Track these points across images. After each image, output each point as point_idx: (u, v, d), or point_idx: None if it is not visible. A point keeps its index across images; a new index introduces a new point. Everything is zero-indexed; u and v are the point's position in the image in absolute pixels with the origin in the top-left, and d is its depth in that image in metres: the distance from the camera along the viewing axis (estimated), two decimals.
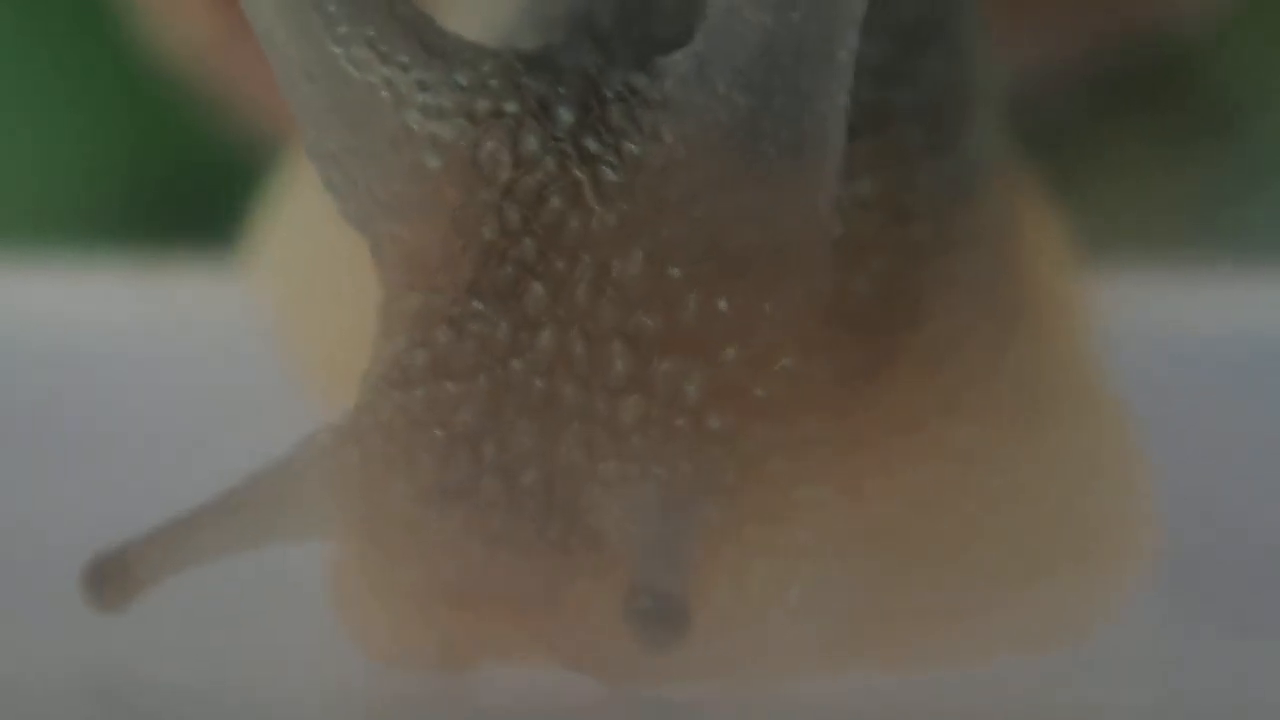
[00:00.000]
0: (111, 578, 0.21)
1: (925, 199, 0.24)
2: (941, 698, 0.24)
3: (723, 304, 0.21)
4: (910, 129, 0.24)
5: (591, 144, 0.22)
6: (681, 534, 0.21)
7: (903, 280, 0.24)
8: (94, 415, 0.29)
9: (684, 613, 0.20)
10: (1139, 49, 0.32)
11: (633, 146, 0.21)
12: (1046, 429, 0.25)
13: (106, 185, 0.47)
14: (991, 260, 0.25)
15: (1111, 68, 0.32)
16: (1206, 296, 0.31)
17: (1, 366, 0.31)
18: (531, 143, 0.22)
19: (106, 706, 0.23)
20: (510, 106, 0.22)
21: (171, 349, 0.29)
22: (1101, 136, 0.44)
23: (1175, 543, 0.26)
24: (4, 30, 0.49)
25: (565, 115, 0.22)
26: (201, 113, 0.32)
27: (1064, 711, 0.25)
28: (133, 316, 0.31)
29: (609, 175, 0.21)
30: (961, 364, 0.24)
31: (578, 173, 0.21)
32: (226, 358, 0.28)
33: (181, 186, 0.36)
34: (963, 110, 0.26)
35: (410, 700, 0.23)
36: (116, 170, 0.47)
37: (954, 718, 0.24)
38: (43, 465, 0.28)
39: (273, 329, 0.29)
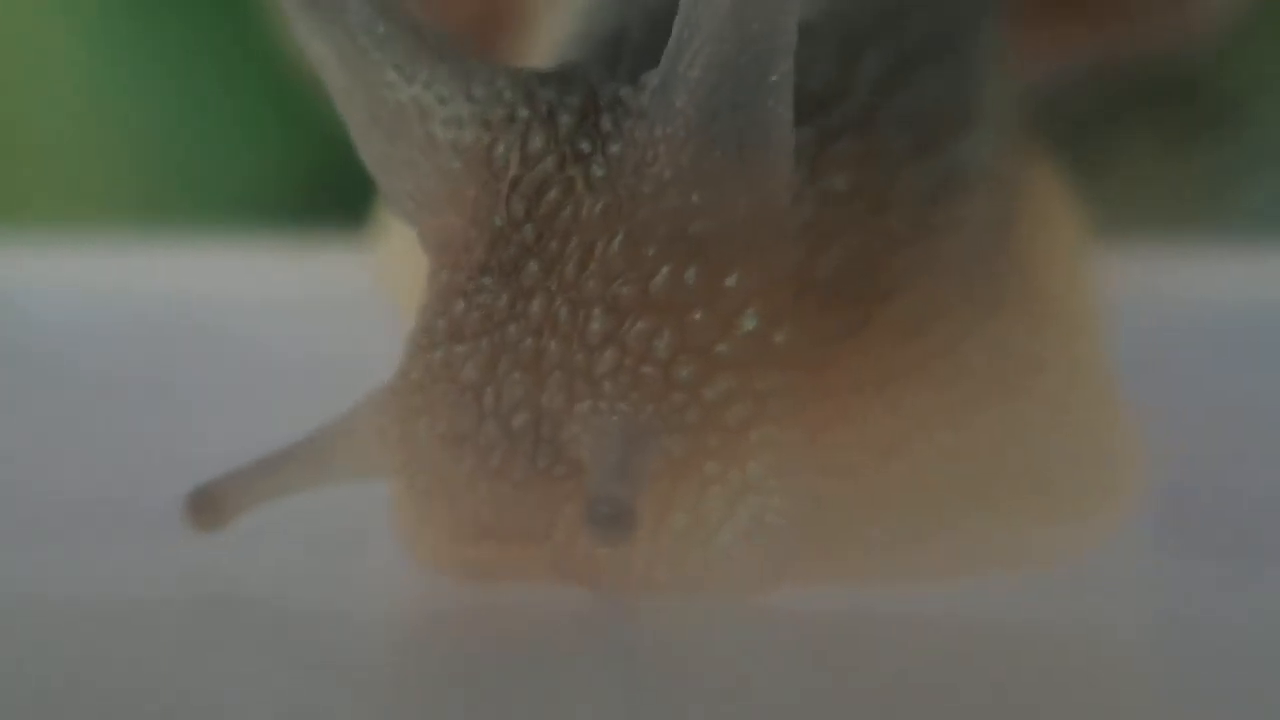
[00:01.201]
0: (205, 506, 0.23)
1: (905, 194, 0.25)
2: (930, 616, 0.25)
3: (690, 275, 0.23)
4: (898, 134, 0.26)
5: (585, 146, 0.23)
6: (637, 456, 0.22)
7: (875, 262, 0.25)
8: (243, 372, 0.29)
9: (632, 516, 0.21)
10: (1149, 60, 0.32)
11: (616, 148, 0.23)
12: (1021, 397, 0.26)
13: (261, 173, 0.47)
14: (978, 247, 0.26)
15: (1123, 72, 0.33)
16: (1211, 271, 0.31)
17: (170, 327, 0.31)
18: (536, 144, 0.23)
19: (207, 616, 0.24)
20: (522, 113, 0.23)
21: (313, 315, 0.30)
22: (1114, 129, 0.43)
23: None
24: (176, 36, 0.48)
25: (566, 121, 0.23)
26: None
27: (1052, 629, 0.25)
28: (283, 287, 0.31)
29: (597, 172, 0.23)
30: (932, 336, 0.25)
31: (572, 170, 0.23)
32: (358, 324, 0.29)
33: (325, 176, 0.37)
34: (960, 119, 0.27)
35: (458, 611, 0.25)
36: (270, 160, 0.48)
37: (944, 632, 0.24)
38: (205, 414, 0.29)
39: (394, 297, 0.30)
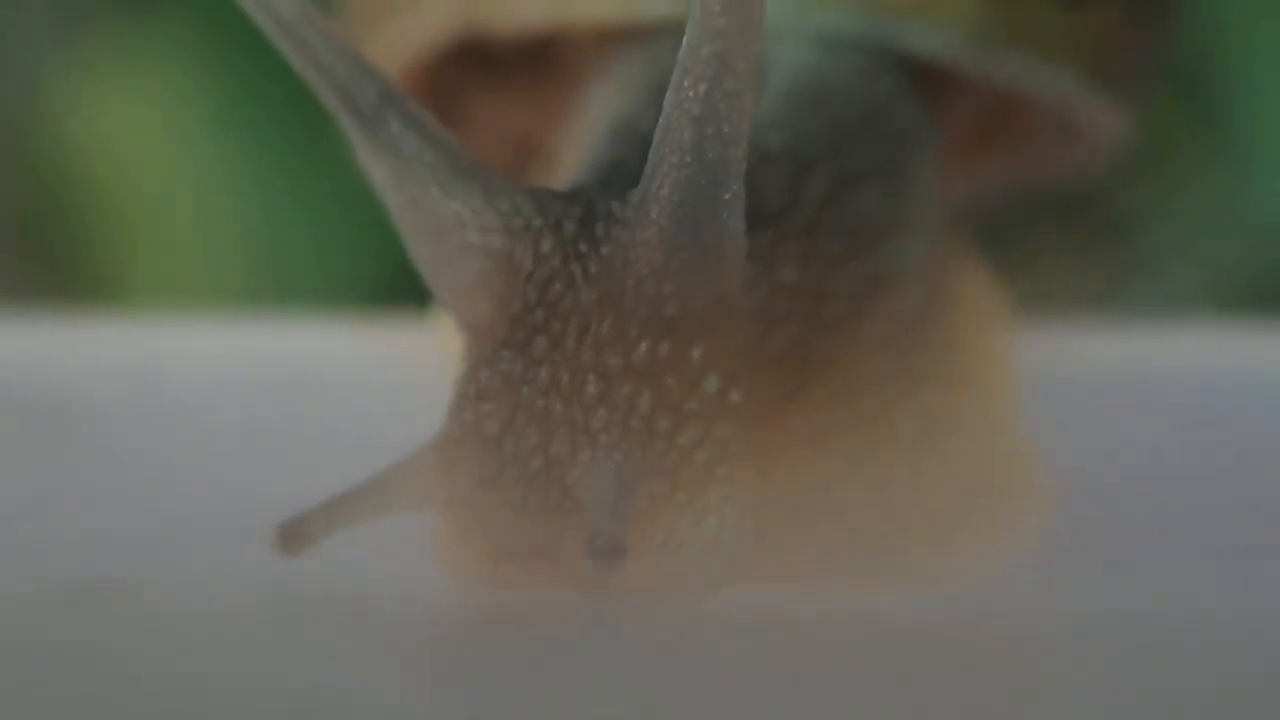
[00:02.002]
0: (289, 535, 0.24)
1: (841, 288, 0.26)
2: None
3: (663, 349, 0.23)
4: (836, 240, 0.26)
5: (583, 247, 0.24)
6: (627, 499, 0.23)
7: (814, 340, 0.25)
8: (330, 423, 0.30)
9: (623, 549, 0.22)
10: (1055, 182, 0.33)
11: (606, 249, 0.24)
12: (939, 449, 0.26)
13: (347, 263, 0.47)
14: (906, 329, 0.27)
15: (1034, 191, 0.33)
16: (1108, 346, 0.31)
17: (273, 390, 0.31)
18: (546, 247, 0.24)
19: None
20: (536, 222, 0.24)
21: (388, 379, 0.30)
22: (1031, 233, 0.44)
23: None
24: (275, 150, 0.48)
25: (569, 228, 0.24)
26: None
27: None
28: (364, 357, 0.31)
29: (592, 268, 0.24)
30: (862, 400, 0.26)
31: (573, 266, 0.24)
32: (423, 388, 0.27)
33: (400, 267, 0.36)
34: (891, 227, 0.27)
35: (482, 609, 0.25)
36: (354, 252, 0.46)
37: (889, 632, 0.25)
38: (297, 457, 0.29)
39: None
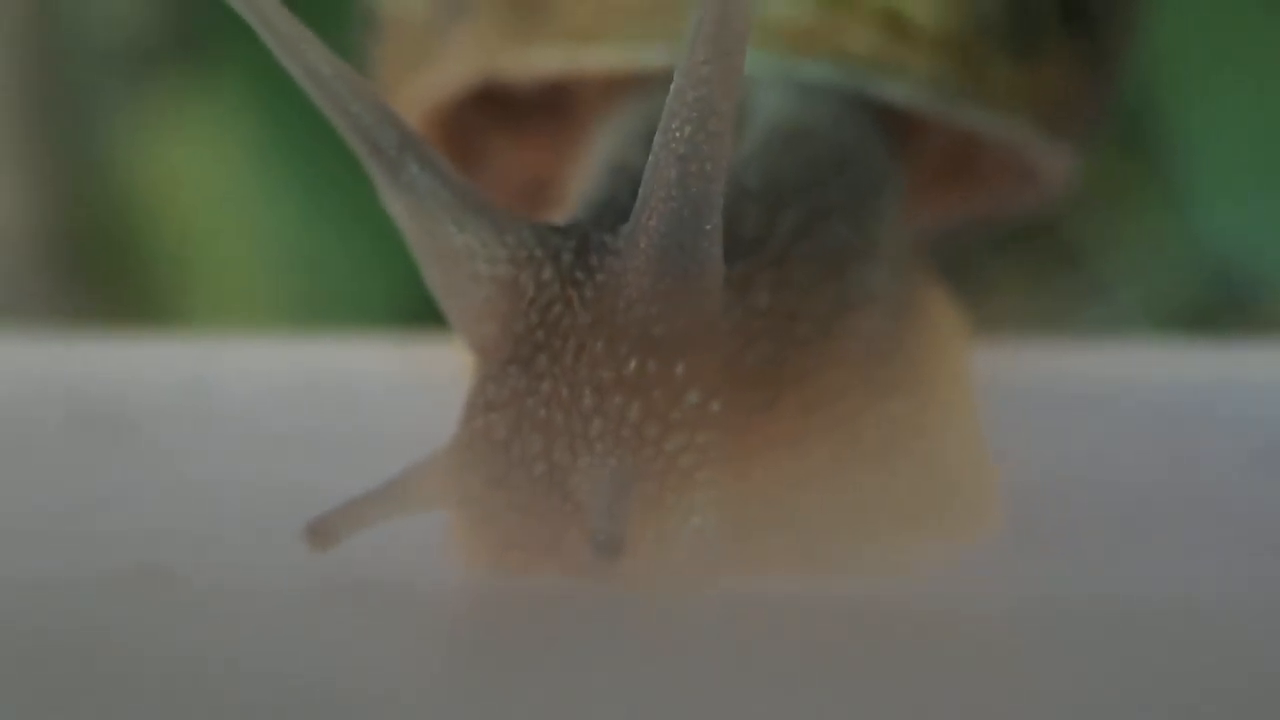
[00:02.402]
0: (318, 531, 0.24)
1: (812, 310, 0.26)
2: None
3: (650, 365, 0.24)
4: (807, 267, 0.26)
5: (579, 275, 0.24)
6: (622, 500, 0.23)
7: (786, 357, 0.25)
8: (367, 429, 0.30)
9: (621, 545, 0.22)
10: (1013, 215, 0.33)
11: (600, 277, 0.24)
12: (903, 454, 0.27)
13: (384, 285, 0.47)
14: (873, 347, 0.27)
15: (994, 223, 0.33)
16: (1061, 362, 0.31)
17: (320, 401, 0.31)
18: (547, 275, 0.24)
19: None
20: (538, 253, 0.24)
21: (417, 390, 0.30)
22: (990, 261, 0.45)
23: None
24: (321, 179, 0.48)
25: (567, 258, 0.24)
26: None
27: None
28: (398, 371, 0.31)
29: (588, 293, 0.24)
30: (832, 411, 0.26)
31: (570, 291, 0.24)
32: (447, 397, 0.27)
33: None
34: (859, 256, 0.27)
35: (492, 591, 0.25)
36: (389, 274, 0.46)
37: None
38: (339, 458, 0.28)
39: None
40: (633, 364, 0.24)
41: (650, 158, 0.23)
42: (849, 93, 0.29)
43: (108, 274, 0.50)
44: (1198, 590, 0.25)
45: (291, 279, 0.49)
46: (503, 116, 0.33)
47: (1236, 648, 0.23)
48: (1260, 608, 0.25)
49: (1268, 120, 0.46)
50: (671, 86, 0.23)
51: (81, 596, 0.24)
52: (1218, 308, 0.45)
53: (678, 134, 0.23)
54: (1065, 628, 0.24)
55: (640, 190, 0.24)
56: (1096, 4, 0.31)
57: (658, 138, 0.23)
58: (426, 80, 0.31)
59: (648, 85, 0.29)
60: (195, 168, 0.49)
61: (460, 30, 0.30)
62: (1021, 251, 0.45)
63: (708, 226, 0.23)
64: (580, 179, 0.29)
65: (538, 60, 0.30)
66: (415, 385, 0.31)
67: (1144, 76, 0.38)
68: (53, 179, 0.50)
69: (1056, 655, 0.23)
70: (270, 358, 0.33)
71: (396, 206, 0.25)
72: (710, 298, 0.24)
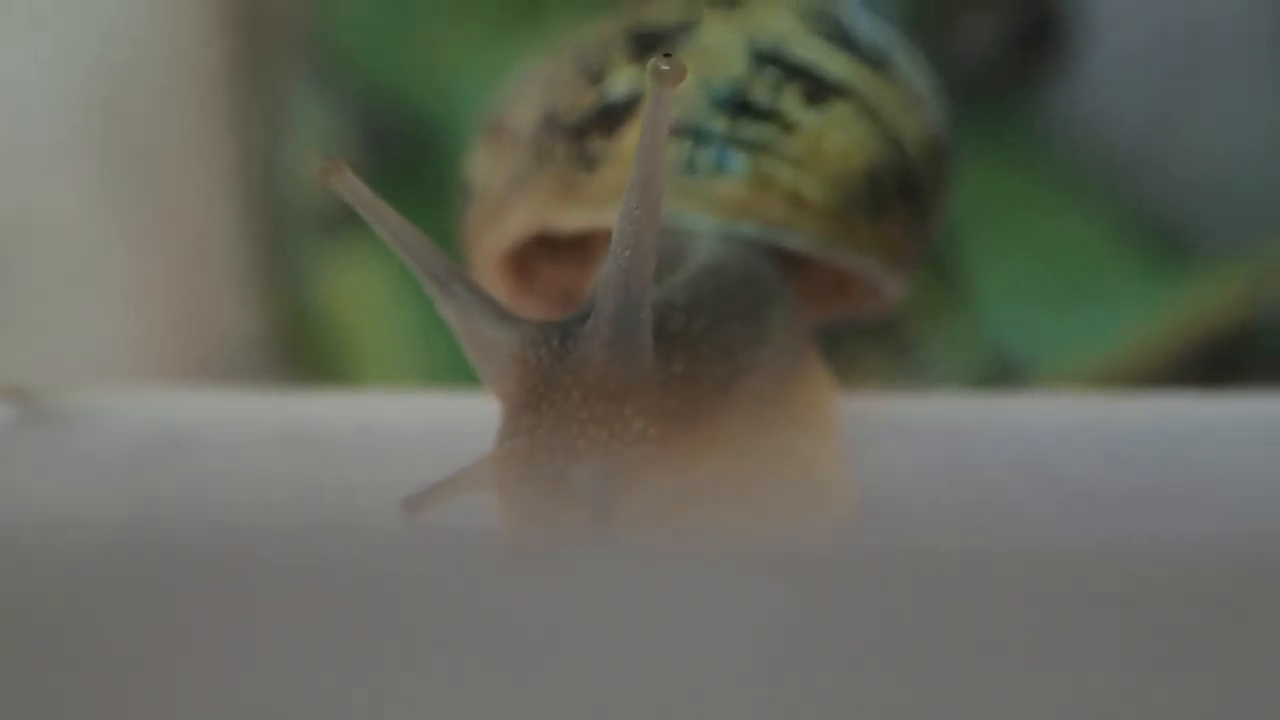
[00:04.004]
0: (413, 504, 0.25)
1: (716, 376, 0.26)
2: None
3: (608, 407, 0.24)
4: (714, 350, 0.26)
5: (562, 353, 0.24)
6: (604, 488, 0.24)
7: (699, 403, 0.26)
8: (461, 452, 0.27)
9: (609, 513, 0.23)
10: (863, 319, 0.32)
11: (576, 353, 0.24)
12: (785, 463, 0.27)
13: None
14: (764, 399, 0.27)
15: (850, 322, 0.32)
16: (897, 408, 0.31)
17: (421, 437, 0.30)
18: (543, 353, 0.24)
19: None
20: (537, 339, 0.24)
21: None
22: (850, 344, 0.46)
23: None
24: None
25: (555, 342, 0.24)
26: None
27: None
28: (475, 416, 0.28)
29: (569, 364, 0.24)
30: (737, 434, 0.26)
31: (557, 363, 0.24)
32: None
33: None
34: (753, 342, 0.27)
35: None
36: None
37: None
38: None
39: None
40: (599, 407, 0.24)
41: (604, 272, 0.24)
42: (762, 243, 0.29)
43: (307, 358, 0.51)
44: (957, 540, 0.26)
45: (422, 360, 0.49)
46: (549, 249, 0.33)
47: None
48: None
49: (1030, 254, 0.47)
50: (615, 224, 0.24)
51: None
52: (996, 378, 0.45)
53: (619, 256, 0.23)
54: (889, 566, 0.23)
55: (598, 295, 0.24)
56: (923, 185, 0.30)
57: (607, 259, 0.24)
58: (499, 231, 0.31)
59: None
60: (362, 290, 0.49)
61: (520, 198, 0.30)
62: (871, 338, 0.45)
63: (642, 315, 0.24)
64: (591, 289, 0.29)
65: (570, 220, 0.30)
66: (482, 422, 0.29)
67: (950, 226, 0.37)
68: (271, 295, 0.50)
69: (884, 586, 0.22)
70: (409, 408, 0.32)
71: (448, 313, 0.25)
72: (644, 364, 0.24)
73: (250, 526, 0.27)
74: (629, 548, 0.24)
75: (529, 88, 0.32)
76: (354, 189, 0.23)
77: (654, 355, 0.23)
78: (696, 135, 0.26)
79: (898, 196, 0.31)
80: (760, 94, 0.27)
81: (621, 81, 0.27)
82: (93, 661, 0.16)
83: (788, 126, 0.27)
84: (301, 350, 0.51)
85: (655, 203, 0.22)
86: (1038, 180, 0.49)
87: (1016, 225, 0.48)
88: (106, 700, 0.16)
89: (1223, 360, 0.46)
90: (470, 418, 0.29)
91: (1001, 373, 0.47)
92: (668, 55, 0.21)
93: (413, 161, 0.50)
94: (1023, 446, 0.30)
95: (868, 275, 0.31)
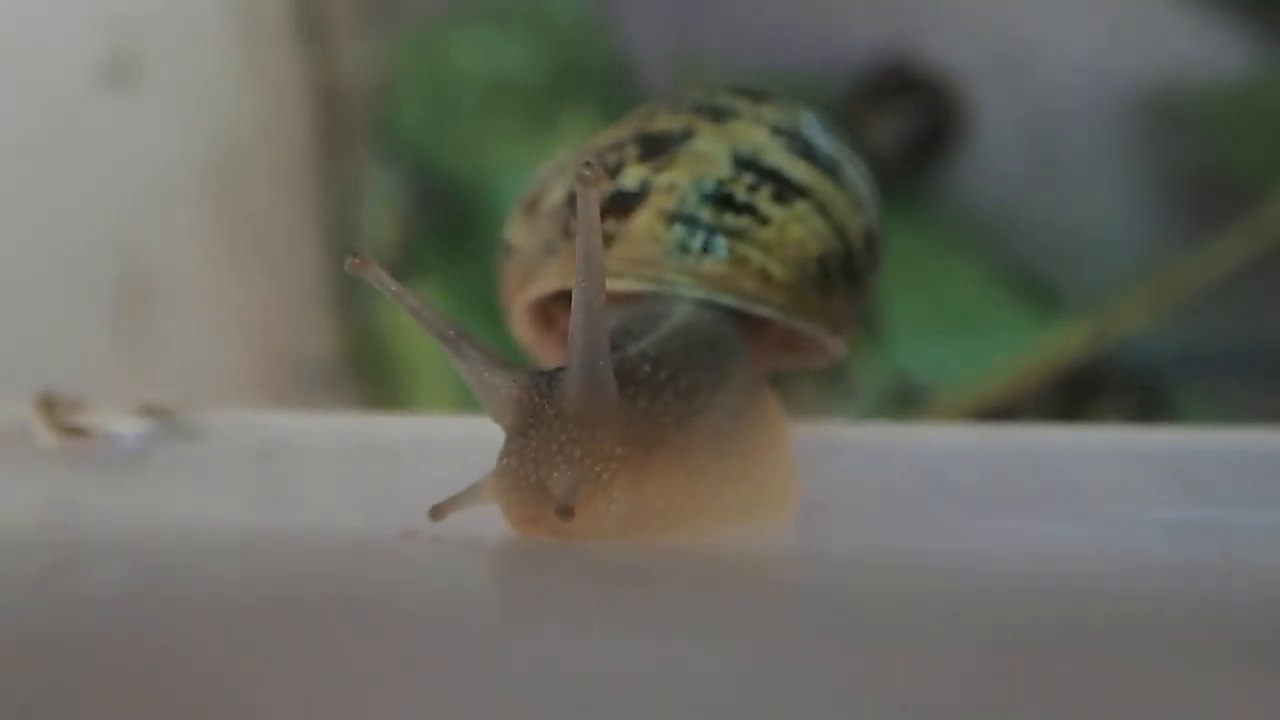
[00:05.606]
0: (436, 511, 0.24)
1: (676, 413, 0.25)
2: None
3: (585, 431, 0.23)
4: (676, 393, 0.25)
5: (549, 393, 0.23)
6: (573, 494, 0.23)
7: (659, 432, 0.24)
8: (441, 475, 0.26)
9: (571, 512, 0.22)
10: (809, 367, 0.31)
11: (557, 392, 0.23)
12: (740, 481, 0.25)
13: None
14: (722, 431, 0.25)
15: (799, 368, 0.31)
16: (836, 434, 0.29)
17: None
18: (534, 393, 0.23)
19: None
20: (528, 384, 0.23)
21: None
22: (796, 384, 0.44)
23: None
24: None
25: (542, 385, 0.23)
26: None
27: None
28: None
29: (552, 400, 0.23)
30: (694, 460, 0.25)
31: (544, 400, 0.23)
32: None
33: None
34: (706, 390, 0.26)
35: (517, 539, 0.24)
36: None
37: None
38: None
39: None
40: (575, 431, 0.23)
41: (571, 329, 0.23)
42: (732, 310, 0.28)
43: (373, 379, 0.49)
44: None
45: (465, 388, 0.46)
46: (567, 302, 0.29)
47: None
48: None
49: (928, 300, 0.46)
50: (572, 293, 0.23)
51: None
52: (902, 401, 0.44)
53: (576, 319, 0.22)
54: (830, 568, 0.24)
55: (569, 344, 0.23)
56: (861, 269, 0.29)
57: (572, 318, 0.23)
58: (532, 289, 0.29)
59: (622, 296, 0.28)
60: (418, 327, 0.47)
61: (551, 264, 0.29)
62: (816, 380, 0.44)
63: (602, 363, 0.23)
64: None
65: None
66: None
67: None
68: (347, 330, 0.48)
69: (829, 580, 0.23)
70: (455, 427, 0.30)
71: (459, 366, 0.24)
72: (610, 399, 0.23)
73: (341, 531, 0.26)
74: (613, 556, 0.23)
75: (559, 174, 0.31)
76: (379, 277, 0.22)
77: (621, 394, 0.22)
78: (688, 222, 0.25)
79: (842, 278, 0.30)
80: (740, 192, 0.26)
81: (632, 176, 0.26)
82: (229, 634, 0.17)
83: (761, 219, 0.26)
84: (370, 374, 0.50)
85: (598, 276, 0.21)
86: (935, 241, 0.48)
87: (918, 276, 0.47)
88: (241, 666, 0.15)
89: (1080, 385, 0.46)
90: (498, 437, 0.27)
91: (906, 393, 0.46)
92: (588, 165, 0.21)
93: (461, 223, 0.49)
94: (924, 460, 0.29)
95: (816, 339, 0.30)
